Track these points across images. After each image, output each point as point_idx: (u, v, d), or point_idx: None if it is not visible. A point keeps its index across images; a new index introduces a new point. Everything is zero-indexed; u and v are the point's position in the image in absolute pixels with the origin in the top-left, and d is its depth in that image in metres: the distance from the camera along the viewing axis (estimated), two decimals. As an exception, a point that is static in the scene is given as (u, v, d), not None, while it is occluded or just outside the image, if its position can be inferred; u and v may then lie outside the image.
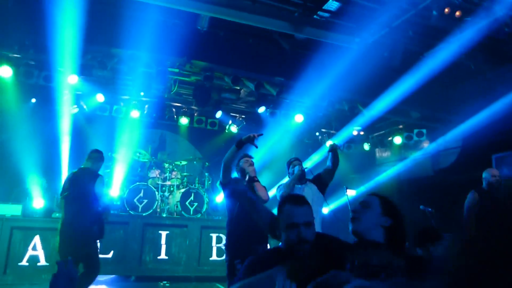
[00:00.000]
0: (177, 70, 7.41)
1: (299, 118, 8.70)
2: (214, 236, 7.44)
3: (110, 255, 6.72)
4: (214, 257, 7.35)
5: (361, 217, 2.12)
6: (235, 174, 4.19)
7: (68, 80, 6.71)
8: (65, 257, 4.18)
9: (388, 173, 10.36)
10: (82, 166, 4.72)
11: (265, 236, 3.88)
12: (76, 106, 8.16)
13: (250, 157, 4.24)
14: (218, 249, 7.41)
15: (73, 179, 4.57)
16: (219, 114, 8.73)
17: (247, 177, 4.05)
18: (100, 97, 7.80)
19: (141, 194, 7.59)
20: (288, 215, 2.07)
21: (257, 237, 3.74)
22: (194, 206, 7.85)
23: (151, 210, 7.53)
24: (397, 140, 9.69)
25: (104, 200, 4.73)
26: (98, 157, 4.82)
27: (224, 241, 7.16)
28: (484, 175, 4.91)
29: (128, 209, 7.43)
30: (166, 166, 8.45)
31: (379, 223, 2.08)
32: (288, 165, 4.65)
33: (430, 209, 5.90)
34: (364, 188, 10.18)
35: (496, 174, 4.89)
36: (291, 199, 2.16)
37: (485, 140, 7.59)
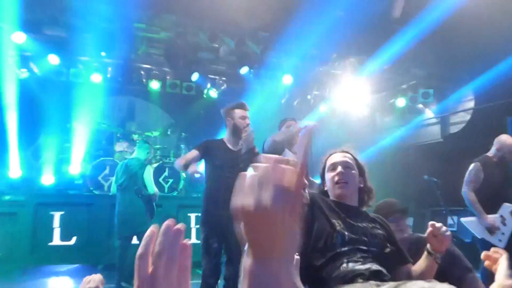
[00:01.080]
0: (144, 26, 7.25)
1: (287, 79, 8.63)
2: (192, 216, 7.41)
3: (72, 242, 6.69)
4: (193, 239, 7.35)
5: (349, 181, 2.34)
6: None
7: (13, 38, 6.45)
8: (124, 236, 5.55)
9: (390, 139, 10.38)
10: (131, 156, 5.98)
11: None
12: (25, 69, 7.93)
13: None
14: (198, 230, 7.38)
15: (124, 168, 5.75)
16: (195, 76, 8.62)
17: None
18: (53, 59, 7.59)
19: (107, 171, 7.52)
20: None
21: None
22: (169, 183, 7.86)
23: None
24: (400, 102, 9.65)
25: (151, 185, 5.82)
26: (142, 146, 5.99)
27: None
28: (496, 142, 4.79)
29: (92, 188, 7.38)
30: (135, 138, 8.36)
31: (357, 184, 2.37)
32: (280, 126, 4.54)
33: (435, 180, 5.93)
34: (363, 156, 10.22)
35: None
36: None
37: (500, 100, 7.57)
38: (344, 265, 1.99)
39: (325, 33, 6.61)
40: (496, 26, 6.18)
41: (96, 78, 8.30)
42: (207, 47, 8.03)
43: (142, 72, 8.98)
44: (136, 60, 8.61)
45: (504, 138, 4.76)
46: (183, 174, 8.08)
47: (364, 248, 2.06)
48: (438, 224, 2.09)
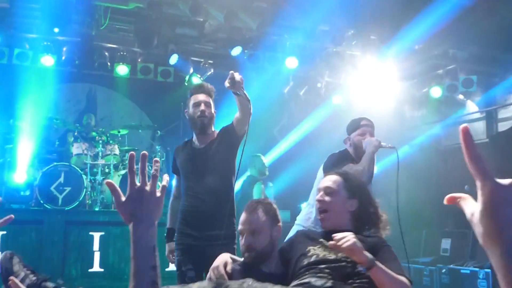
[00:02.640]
0: (108, -6, 7.25)
1: (292, 62, 8.62)
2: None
3: (17, 269, 6.64)
4: (172, 266, 7.37)
5: (328, 208, 2.89)
6: None
7: None
8: None
9: (423, 139, 10.41)
10: None
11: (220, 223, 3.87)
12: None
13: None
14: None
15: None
16: (174, 59, 8.62)
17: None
18: (-8, 37, 7.56)
19: (61, 180, 7.48)
20: None
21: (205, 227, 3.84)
22: None
23: (77, 202, 7.48)
24: (436, 92, 9.67)
25: None
26: (252, 161, 6.60)
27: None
28: None
29: (42, 201, 7.32)
30: (97, 138, 8.33)
31: (346, 209, 2.88)
32: (352, 128, 4.24)
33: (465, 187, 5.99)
34: (388, 161, 10.27)
35: None
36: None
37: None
38: (305, 279, 2.60)
39: (339, 4, 6.63)
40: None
41: (47, 60, 8.23)
42: (189, 22, 7.98)
43: (106, 54, 8.91)
44: (98, 38, 8.57)
45: None
46: (159, 184, 8.06)
47: (330, 266, 2.65)
48: (336, 237, 2.54)
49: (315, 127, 9.88)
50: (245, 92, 3.71)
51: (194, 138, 4.12)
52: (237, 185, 7.44)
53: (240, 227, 2.96)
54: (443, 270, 8.17)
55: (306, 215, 4.15)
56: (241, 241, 2.94)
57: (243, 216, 2.95)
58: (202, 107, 4.01)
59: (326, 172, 3.88)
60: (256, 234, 2.87)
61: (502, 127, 9.28)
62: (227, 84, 3.69)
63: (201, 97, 4.08)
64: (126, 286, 5.49)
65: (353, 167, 3.81)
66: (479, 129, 9.70)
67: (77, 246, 7.01)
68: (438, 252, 9.18)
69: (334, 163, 3.92)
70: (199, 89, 4.17)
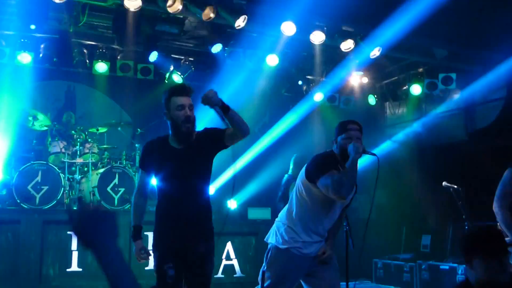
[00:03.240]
0: (85, -10, 7.16)
1: (272, 59, 8.62)
2: (151, 235, 7.33)
3: (-8, 271, 6.61)
4: (151, 265, 7.33)
5: None
6: None
7: None
8: None
9: (403, 135, 10.47)
10: None
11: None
12: None
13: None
14: (156, 253, 7.39)
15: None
16: (154, 56, 8.55)
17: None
18: (-33, 33, 7.43)
19: (39, 179, 7.47)
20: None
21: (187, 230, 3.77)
22: (120, 193, 7.86)
23: (55, 201, 7.48)
24: (416, 89, 9.74)
25: None
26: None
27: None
28: None
29: (19, 201, 7.29)
30: (75, 136, 8.29)
31: None
32: (338, 131, 4.05)
33: (455, 187, 6.01)
34: (370, 158, 10.30)
35: None
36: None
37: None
38: None
39: (319, 1, 6.62)
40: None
41: (24, 58, 8.17)
42: (169, 18, 7.92)
43: (85, 51, 8.86)
44: (77, 35, 8.47)
45: None
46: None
47: None
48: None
49: (296, 124, 9.87)
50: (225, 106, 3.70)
51: (171, 137, 3.95)
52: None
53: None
54: (423, 266, 8.22)
55: (288, 211, 4.11)
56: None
57: None
58: (188, 112, 3.82)
59: (309, 177, 3.90)
60: None
61: (481, 124, 9.34)
62: (202, 102, 3.66)
63: (184, 100, 3.85)
64: (104, 286, 5.46)
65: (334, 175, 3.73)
66: (458, 126, 9.76)
67: (55, 246, 6.97)
68: (418, 248, 9.23)
69: (318, 166, 3.87)
70: (182, 91, 3.94)
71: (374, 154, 3.98)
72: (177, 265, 3.69)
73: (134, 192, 4.05)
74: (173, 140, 3.91)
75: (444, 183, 6.20)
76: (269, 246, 4.13)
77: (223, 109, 3.70)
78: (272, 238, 4.12)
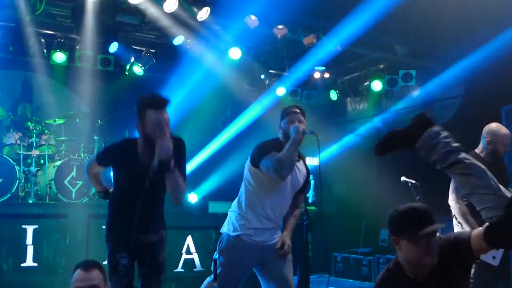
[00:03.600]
0: (43, -24, 7.00)
1: (235, 53, 8.63)
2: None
3: None
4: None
5: None
6: None
7: None
8: None
9: (364, 130, 10.61)
10: None
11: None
12: None
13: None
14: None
15: None
16: (114, 47, 8.48)
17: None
18: None
19: (-7, 171, 7.38)
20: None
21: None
22: (77, 186, 7.81)
23: (9, 194, 7.41)
24: (377, 85, 9.86)
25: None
26: None
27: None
28: (486, 133, 4.93)
29: (-29, 193, 7.16)
30: (31, 127, 8.20)
31: None
32: (282, 116, 4.20)
33: (413, 182, 6.13)
34: (329, 152, 10.42)
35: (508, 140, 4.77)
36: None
37: (494, 85, 7.83)
38: None
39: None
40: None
41: (-22, 47, 7.97)
42: (130, 9, 7.78)
43: (42, 40, 8.65)
44: (34, 24, 8.25)
45: (495, 127, 4.85)
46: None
47: None
48: None
49: (258, 117, 9.88)
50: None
51: (140, 145, 3.75)
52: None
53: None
54: (381, 260, 8.36)
55: (238, 200, 4.16)
56: None
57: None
58: (167, 132, 3.59)
59: (253, 162, 4.01)
60: None
61: (439, 120, 9.46)
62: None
63: (161, 115, 3.60)
64: (60, 280, 5.40)
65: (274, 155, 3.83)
66: (417, 122, 9.91)
67: (9, 240, 6.84)
68: (377, 243, 9.38)
69: (260, 150, 3.99)
70: (159, 104, 3.66)
71: (313, 133, 4.11)
72: (130, 254, 3.69)
73: (91, 162, 4.08)
74: (142, 149, 3.73)
75: (402, 178, 6.30)
76: (222, 235, 4.17)
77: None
78: (224, 227, 4.15)
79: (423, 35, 8.21)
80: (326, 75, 10.27)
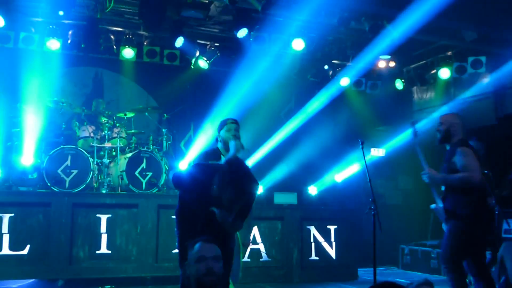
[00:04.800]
0: (112, -24, 7.25)
1: (298, 44, 8.61)
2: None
3: (25, 251, 6.70)
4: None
5: None
6: None
7: None
8: None
9: (431, 120, 10.34)
10: None
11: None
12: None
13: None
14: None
15: None
16: (180, 41, 8.60)
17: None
18: (-3, 20, 7.55)
19: (68, 163, 7.55)
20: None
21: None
22: (147, 177, 7.90)
23: (84, 185, 7.55)
24: (444, 73, 9.63)
25: None
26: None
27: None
28: None
29: (49, 184, 7.39)
30: (104, 121, 8.37)
31: None
32: (220, 126, 4.75)
33: (485, 171, 5.92)
34: (395, 144, 10.26)
35: None
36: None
37: None
38: None
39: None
40: None
41: (53, 44, 8.29)
42: (194, 3, 7.95)
43: (112, 37, 8.96)
44: (104, 22, 8.57)
45: None
46: (166, 166, 8.10)
47: None
48: None
49: (322, 109, 9.85)
50: None
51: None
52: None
53: None
54: (451, 253, 8.15)
55: None
56: None
57: None
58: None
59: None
60: None
61: (511, 109, 9.20)
62: None
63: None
64: (132, 268, 5.63)
65: None
66: (487, 111, 9.61)
67: (84, 228, 7.04)
68: (445, 235, 9.16)
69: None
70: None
71: (248, 150, 4.98)
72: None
73: None
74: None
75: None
76: None
77: None
78: None
79: (493, 19, 7.94)
80: (391, 64, 10.10)
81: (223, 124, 4.71)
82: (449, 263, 4.82)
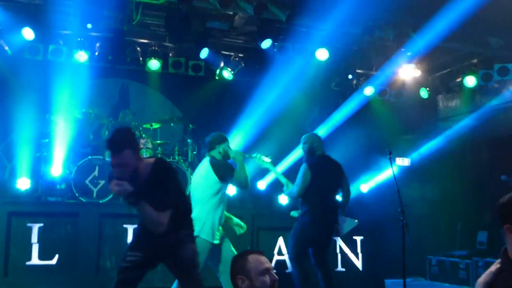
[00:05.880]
0: (139, -11, 7.32)
1: (322, 54, 8.58)
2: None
3: (53, 261, 6.77)
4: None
5: None
6: None
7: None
8: None
9: (457, 129, 10.25)
10: None
11: None
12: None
13: None
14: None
15: None
16: (204, 53, 8.62)
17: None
18: (28, 33, 7.67)
19: (96, 173, 7.63)
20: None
21: None
22: None
23: (111, 196, 7.56)
24: (470, 81, 9.51)
25: None
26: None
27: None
28: None
29: (77, 194, 7.47)
30: None
31: None
32: (220, 142, 5.44)
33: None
34: (420, 153, 10.16)
35: None
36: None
37: None
38: None
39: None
40: None
41: (81, 56, 8.39)
42: (219, 15, 8.01)
43: (138, 48, 9.08)
44: (130, 34, 8.66)
45: None
46: (191, 177, 8.10)
47: None
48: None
49: (347, 118, 9.80)
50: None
51: None
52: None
53: None
54: (480, 264, 8.02)
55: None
56: None
57: None
58: (116, 173, 3.97)
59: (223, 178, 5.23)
60: None
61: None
62: None
63: (113, 159, 3.91)
64: (158, 278, 5.65)
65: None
66: (515, 120, 9.50)
67: (111, 238, 7.09)
68: (474, 245, 9.02)
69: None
70: (110, 148, 4.02)
71: (251, 156, 5.85)
72: None
73: None
74: None
75: (502, 177, 6.03)
76: None
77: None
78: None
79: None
80: (416, 73, 10.02)
81: (223, 139, 5.40)
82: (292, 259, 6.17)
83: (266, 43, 8.21)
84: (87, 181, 7.57)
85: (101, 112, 8.76)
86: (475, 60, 9.47)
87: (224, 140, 5.38)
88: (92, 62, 8.70)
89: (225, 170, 5.20)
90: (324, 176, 6.13)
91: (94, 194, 7.56)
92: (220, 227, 5.26)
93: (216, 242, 5.14)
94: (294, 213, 6.31)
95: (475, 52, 9.21)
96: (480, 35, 8.45)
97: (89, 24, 7.83)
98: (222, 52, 9.50)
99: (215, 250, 5.20)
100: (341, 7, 7.17)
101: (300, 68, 8.97)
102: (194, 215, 4.55)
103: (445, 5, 6.93)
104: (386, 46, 8.82)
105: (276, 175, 6.38)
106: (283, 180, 6.28)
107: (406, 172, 9.79)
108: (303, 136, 6.42)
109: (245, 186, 5.28)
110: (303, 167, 6.06)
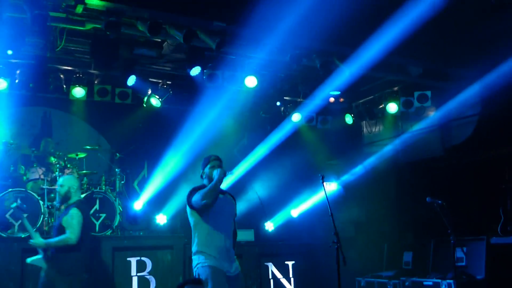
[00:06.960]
0: (64, 15, 7.09)
1: (251, 81, 8.69)
2: (133, 261, 7.43)
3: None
4: (135, 292, 7.27)
5: None
6: None
7: None
8: None
9: (381, 154, 10.60)
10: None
11: None
12: None
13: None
14: (141, 279, 7.32)
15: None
16: (132, 80, 8.59)
17: None
18: None
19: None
20: None
21: None
22: (101, 219, 7.86)
23: (34, 229, 7.13)
24: (392, 107, 9.89)
25: None
26: None
27: (148, 267, 7.40)
28: None
29: (-10, 229, 7.20)
30: (54, 162, 8.26)
31: None
32: (204, 164, 5.27)
33: (440, 201, 6.10)
34: (347, 177, 10.42)
35: None
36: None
37: (511, 104, 7.85)
38: None
39: (298, 23, 6.69)
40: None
41: (0, 84, 8.11)
42: (147, 42, 7.96)
43: (62, 76, 8.83)
44: (54, 60, 8.44)
45: None
46: (119, 207, 7.97)
47: None
48: None
49: (277, 145, 9.94)
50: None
51: None
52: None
53: None
54: (407, 283, 8.25)
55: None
56: None
57: None
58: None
59: (189, 203, 5.08)
60: None
61: (457, 140, 9.51)
62: None
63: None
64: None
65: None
66: (434, 143, 9.93)
67: (35, 274, 6.70)
68: (400, 265, 9.29)
69: (191, 192, 5.09)
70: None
71: (231, 173, 5.90)
72: None
73: None
74: None
75: (428, 198, 6.27)
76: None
77: None
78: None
79: (438, 56, 8.26)
80: (341, 100, 10.33)
81: (206, 162, 5.23)
82: None
83: (195, 71, 8.20)
84: (7, 215, 7.30)
85: (22, 142, 8.51)
86: (395, 88, 9.87)
87: (206, 162, 5.24)
88: (12, 90, 8.40)
89: (189, 195, 5.11)
90: None
91: (16, 228, 7.29)
92: None
93: None
94: None
95: (396, 80, 9.59)
96: (400, 64, 8.81)
97: (9, 50, 7.58)
98: (150, 79, 9.41)
99: None
100: (269, 36, 7.28)
101: (229, 96, 9.02)
102: None
103: (370, 36, 7.20)
104: (313, 74, 9.01)
105: None
106: None
107: (333, 196, 10.00)
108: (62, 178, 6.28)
109: (205, 198, 4.90)
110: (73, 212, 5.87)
